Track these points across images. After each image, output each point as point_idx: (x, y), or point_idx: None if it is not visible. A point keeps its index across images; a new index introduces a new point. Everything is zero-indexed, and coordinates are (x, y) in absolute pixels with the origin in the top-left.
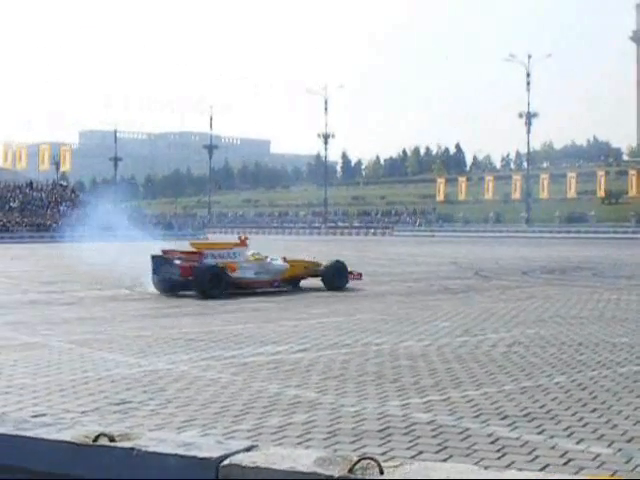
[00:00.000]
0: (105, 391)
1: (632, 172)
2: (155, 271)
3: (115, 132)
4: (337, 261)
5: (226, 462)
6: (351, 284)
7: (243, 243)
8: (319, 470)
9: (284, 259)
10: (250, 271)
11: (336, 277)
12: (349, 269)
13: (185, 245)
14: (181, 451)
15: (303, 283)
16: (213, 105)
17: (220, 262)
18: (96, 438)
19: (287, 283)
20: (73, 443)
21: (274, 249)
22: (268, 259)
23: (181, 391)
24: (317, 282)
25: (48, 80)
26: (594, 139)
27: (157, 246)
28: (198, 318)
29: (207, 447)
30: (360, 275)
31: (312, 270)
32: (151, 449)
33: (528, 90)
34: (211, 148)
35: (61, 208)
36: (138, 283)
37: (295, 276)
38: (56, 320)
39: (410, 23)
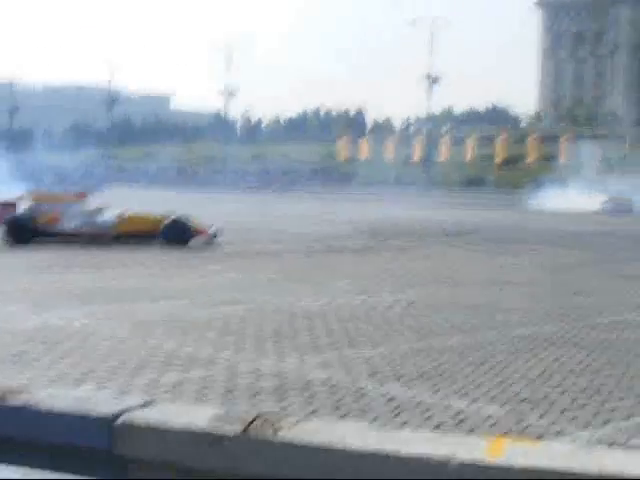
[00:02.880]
0: (1, 344)
1: (531, 138)
2: None
3: (10, 83)
4: (177, 217)
5: (121, 418)
6: (233, 242)
7: (81, 197)
8: (214, 428)
9: (120, 215)
10: (75, 223)
11: (174, 234)
12: (194, 226)
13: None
14: (75, 407)
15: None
16: (113, 57)
17: (36, 214)
18: None
19: (125, 237)
20: None
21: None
22: (103, 213)
23: (77, 345)
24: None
25: None
26: (493, 106)
27: None
28: (92, 273)
29: (102, 403)
30: (204, 232)
31: (150, 225)
32: (44, 405)
33: (430, 54)
34: (111, 103)
35: None
36: None
37: (128, 230)
38: None
39: None
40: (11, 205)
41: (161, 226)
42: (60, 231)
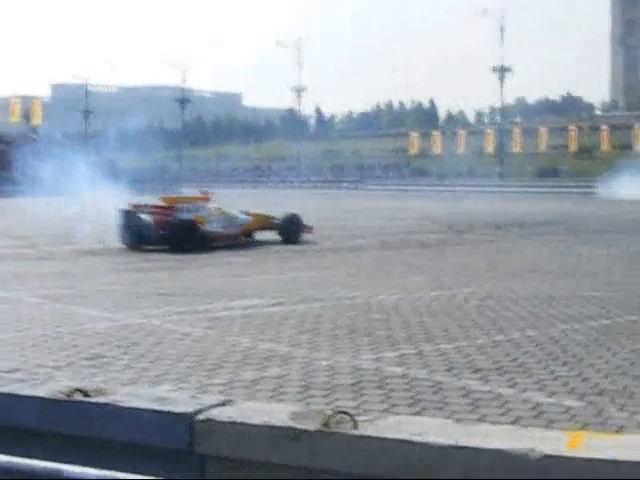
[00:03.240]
0: (78, 346)
1: (604, 127)
2: (125, 226)
3: (86, 86)
4: (292, 214)
5: (201, 416)
6: (316, 238)
7: (205, 198)
8: (294, 424)
9: (246, 213)
10: (217, 224)
11: (291, 230)
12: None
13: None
14: (155, 406)
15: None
16: (185, 58)
17: (193, 216)
18: (71, 393)
19: (247, 236)
20: (48, 398)
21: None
22: (234, 212)
23: (154, 345)
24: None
25: (20, 31)
26: (567, 94)
27: (127, 200)
28: (170, 272)
29: (182, 402)
30: (311, 228)
31: (269, 223)
32: (125, 404)
33: (501, 45)
34: (183, 102)
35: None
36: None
37: (255, 229)
38: (27, 275)
39: None
40: (165, 208)
41: (278, 223)
42: (208, 233)
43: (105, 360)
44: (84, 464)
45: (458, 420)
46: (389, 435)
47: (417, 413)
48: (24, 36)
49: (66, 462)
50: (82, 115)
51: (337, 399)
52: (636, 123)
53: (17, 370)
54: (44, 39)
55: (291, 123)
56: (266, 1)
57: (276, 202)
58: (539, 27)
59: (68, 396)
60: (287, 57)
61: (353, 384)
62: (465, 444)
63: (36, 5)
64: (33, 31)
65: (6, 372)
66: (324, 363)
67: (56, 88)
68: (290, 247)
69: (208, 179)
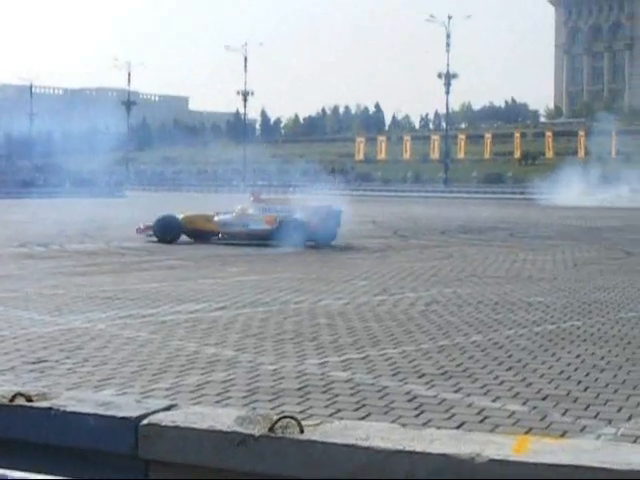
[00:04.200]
0: (21, 350)
1: (548, 134)
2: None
3: (30, 86)
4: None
5: (145, 421)
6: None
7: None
8: (239, 429)
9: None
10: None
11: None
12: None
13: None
14: (100, 410)
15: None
16: (130, 61)
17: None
18: (13, 398)
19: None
20: None
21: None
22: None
23: (98, 350)
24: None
25: None
26: (512, 101)
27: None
28: (113, 276)
29: (126, 406)
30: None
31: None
32: (69, 409)
33: (448, 51)
34: (129, 104)
35: None
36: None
37: None
38: None
39: None
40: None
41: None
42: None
43: (48, 364)
44: (28, 469)
45: (404, 425)
46: (335, 440)
47: (363, 418)
48: None
49: (9, 467)
50: (25, 117)
51: (283, 404)
52: (579, 130)
53: None
54: None
55: (237, 127)
56: (214, 5)
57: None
58: (485, 33)
59: (10, 400)
60: (234, 61)
61: (299, 389)
62: (411, 448)
63: None
64: None
65: None
66: (270, 368)
67: None
68: (237, 251)
69: (152, 183)
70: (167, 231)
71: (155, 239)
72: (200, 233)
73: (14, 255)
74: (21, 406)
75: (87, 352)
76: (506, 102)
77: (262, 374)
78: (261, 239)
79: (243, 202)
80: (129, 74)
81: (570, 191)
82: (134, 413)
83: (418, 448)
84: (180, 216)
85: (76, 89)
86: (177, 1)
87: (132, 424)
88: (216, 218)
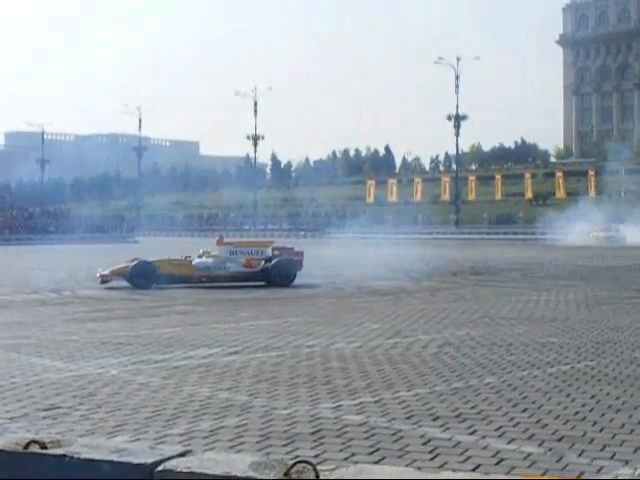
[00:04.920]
0: (34, 396)
1: (559, 174)
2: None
3: (42, 133)
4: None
5: (160, 467)
6: (270, 287)
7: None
8: (254, 475)
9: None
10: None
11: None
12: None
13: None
14: (114, 457)
15: None
16: (141, 106)
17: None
18: (27, 445)
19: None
20: (3, 451)
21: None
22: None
23: (111, 396)
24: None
25: None
26: (522, 141)
27: (87, 250)
28: (126, 322)
29: (141, 453)
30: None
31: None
32: (83, 456)
33: (457, 92)
34: (140, 150)
35: None
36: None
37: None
38: None
39: (338, 24)
40: (285, 249)
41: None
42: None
43: (61, 411)
44: None
45: (419, 468)
46: None
47: (377, 462)
48: None
49: None
50: (36, 163)
51: (297, 448)
52: (589, 169)
53: None
54: None
55: (247, 171)
56: (223, 51)
57: None
58: (493, 74)
59: (24, 448)
60: (244, 106)
61: (312, 433)
62: None
63: None
64: None
65: None
66: (283, 412)
67: (9, 136)
68: (247, 295)
69: (163, 228)
70: (143, 277)
71: (128, 284)
72: (174, 278)
73: (27, 301)
74: (35, 453)
75: (100, 398)
76: (516, 143)
77: (275, 419)
78: (240, 281)
79: (207, 246)
80: (140, 120)
81: (581, 231)
82: (149, 459)
83: None
84: (152, 261)
85: (87, 135)
86: (186, 47)
87: (147, 470)
88: (194, 262)
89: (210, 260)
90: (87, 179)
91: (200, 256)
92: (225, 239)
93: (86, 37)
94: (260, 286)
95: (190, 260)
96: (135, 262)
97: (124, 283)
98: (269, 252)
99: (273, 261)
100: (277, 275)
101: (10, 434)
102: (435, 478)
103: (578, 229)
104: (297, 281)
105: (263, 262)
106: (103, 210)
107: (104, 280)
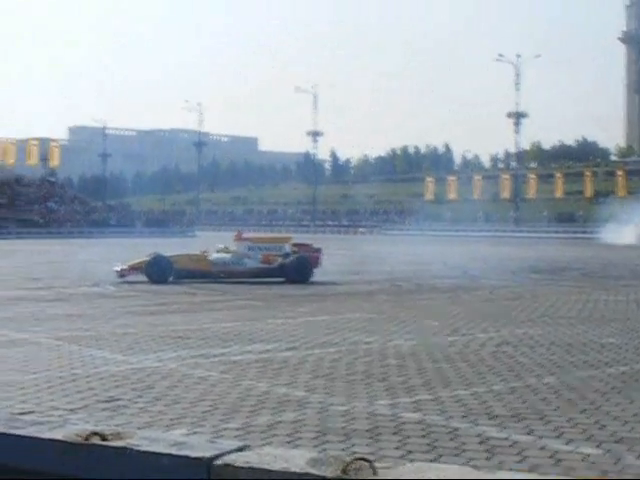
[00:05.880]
0: (94, 388)
1: (619, 172)
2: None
3: (104, 128)
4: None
5: (219, 462)
6: (329, 282)
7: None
8: (312, 471)
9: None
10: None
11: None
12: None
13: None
14: (173, 450)
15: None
16: (201, 102)
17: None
18: (88, 437)
19: None
20: (65, 442)
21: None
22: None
23: (170, 389)
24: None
25: (38, 75)
26: (583, 139)
27: (146, 244)
28: (185, 316)
29: (199, 446)
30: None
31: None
32: (143, 448)
33: (517, 90)
34: (200, 145)
35: (49, 204)
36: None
37: None
38: (44, 317)
39: (398, 22)
40: (304, 245)
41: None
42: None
43: (120, 403)
44: None
45: (476, 467)
46: None
47: (434, 460)
48: (42, 78)
49: None
50: (98, 157)
51: (353, 445)
52: None
53: (32, 412)
54: (62, 81)
55: (306, 167)
56: (284, 47)
57: None
58: (554, 72)
59: (85, 439)
60: (304, 102)
61: (369, 430)
62: None
63: (54, 46)
64: (51, 74)
65: (21, 414)
66: (340, 408)
67: (73, 131)
68: (303, 290)
69: (223, 222)
70: (159, 271)
71: (146, 279)
72: (190, 273)
73: (87, 294)
74: (96, 445)
75: (158, 391)
76: (577, 141)
77: (332, 415)
78: (257, 277)
79: (226, 242)
80: (200, 115)
81: (631, 230)
82: (207, 453)
83: None
84: (169, 256)
85: (148, 130)
86: (246, 43)
87: (205, 464)
88: (211, 257)
89: (228, 256)
90: (148, 174)
91: (218, 251)
92: (244, 234)
93: (149, 34)
94: (316, 282)
95: (207, 255)
96: (152, 256)
97: (142, 277)
98: (287, 248)
99: (290, 258)
100: (294, 272)
101: (71, 425)
102: (493, 478)
103: (632, 228)
104: (354, 277)
105: (280, 258)
106: (163, 204)
107: (122, 274)
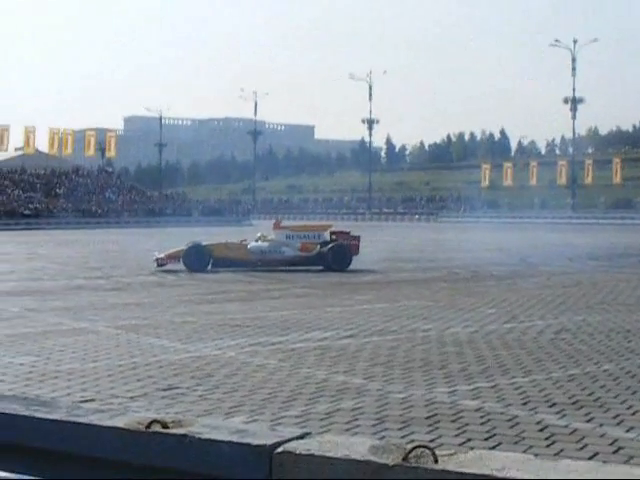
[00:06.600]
0: (153, 376)
1: None
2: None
3: (160, 118)
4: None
5: (280, 449)
6: (386, 270)
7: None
8: (374, 458)
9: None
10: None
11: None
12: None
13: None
14: (234, 438)
15: None
16: (257, 91)
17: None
18: (149, 425)
19: None
20: (126, 429)
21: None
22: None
23: (228, 377)
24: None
25: (94, 65)
26: None
27: (204, 233)
28: (243, 304)
29: (260, 434)
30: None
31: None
32: (204, 436)
33: (573, 75)
34: (255, 134)
35: (107, 194)
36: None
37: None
38: (103, 306)
39: (454, 7)
40: (342, 233)
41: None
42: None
43: (179, 391)
44: None
45: (536, 455)
46: (470, 470)
47: (493, 447)
48: (97, 68)
49: None
50: (154, 147)
51: (412, 432)
52: None
53: (93, 400)
54: (117, 72)
55: (362, 155)
56: (337, 34)
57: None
58: (611, 57)
59: (147, 427)
60: (359, 89)
61: (428, 417)
62: None
63: (109, 38)
64: (108, 64)
65: (82, 402)
66: (398, 396)
67: (128, 120)
68: (362, 278)
69: (278, 211)
70: (197, 260)
71: (184, 268)
72: (228, 261)
73: (144, 283)
74: (157, 432)
75: (217, 379)
76: (634, 126)
77: (391, 402)
78: (296, 265)
79: (260, 230)
80: (255, 104)
81: None
82: (269, 441)
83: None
84: (207, 244)
85: (204, 119)
86: (301, 32)
87: (267, 452)
88: (249, 246)
89: (266, 244)
90: (203, 163)
91: (257, 240)
92: (282, 223)
93: (202, 23)
94: (370, 270)
95: (246, 244)
96: (190, 245)
97: (180, 266)
98: (326, 236)
99: (329, 246)
100: (333, 260)
101: (132, 413)
102: (556, 465)
103: None
104: (411, 265)
105: (319, 246)
106: (219, 193)
107: (160, 264)
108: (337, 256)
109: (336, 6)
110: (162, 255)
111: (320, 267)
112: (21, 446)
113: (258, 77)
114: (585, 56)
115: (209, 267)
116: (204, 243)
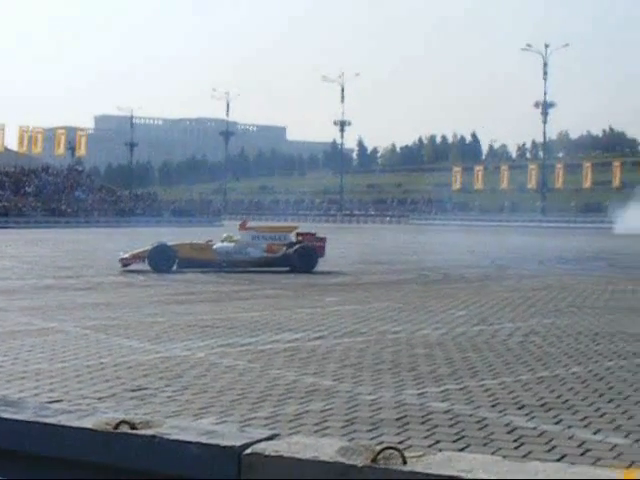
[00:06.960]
0: (122, 377)
1: None
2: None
3: (131, 117)
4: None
5: (249, 450)
6: (355, 273)
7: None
8: (343, 460)
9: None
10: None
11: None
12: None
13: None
14: (203, 439)
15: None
16: (229, 92)
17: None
18: (117, 425)
19: None
20: (94, 430)
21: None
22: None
23: (198, 378)
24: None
25: (65, 63)
26: (610, 129)
27: (174, 233)
28: (213, 305)
29: (229, 435)
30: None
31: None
32: (173, 437)
33: (545, 79)
34: (227, 135)
35: (76, 193)
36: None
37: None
38: (72, 306)
39: (425, 10)
40: (308, 234)
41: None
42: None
43: (148, 392)
44: None
45: (504, 457)
46: (438, 471)
47: (462, 449)
48: (68, 68)
49: None
50: (125, 146)
51: (382, 434)
52: None
53: (61, 401)
54: (88, 71)
55: (334, 156)
56: (310, 36)
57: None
58: (582, 62)
59: (115, 428)
60: (331, 91)
61: (397, 419)
62: None
63: (81, 37)
64: (78, 63)
65: (50, 403)
66: (368, 398)
67: (99, 119)
68: (329, 279)
69: (249, 212)
70: (162, 260)
71: (149, 268)
72: (194, 262)
73: (114, 283)
74: (125, 434)
75: (187, 380)
76: (604, 131)
77: (360, 404)
78: (261, 266)
79: (230, 231)
80: (227, 104)
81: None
82: (237, 442)
83: None
84: (172, 245)
85: (176, 119)
86: (274, 32)
87: (236, 453)
88: (215, 246)
89: (232, 245)
90: (175, 163)
91: (223, 241)
92: (248, 224)
93: (174, 22)
94: (340, 272)
95: (211, 244)
96: (155, 245)
97: (146, 266)
98: (292, 237)
99: (295, 247)
100: (298, 261)
101: (100, 414)
102: (523, 467)
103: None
104: (381, 267)
105: (285, 248)
106: (190, 194)
107: (125, 264)
108: (303, 257)
109: (308, 7)
110: (127, 255)
111: (288, 268)
112: None
113: (230, 77)
114: (556, 61)
115: (174, 267)
116: (169, 243)
